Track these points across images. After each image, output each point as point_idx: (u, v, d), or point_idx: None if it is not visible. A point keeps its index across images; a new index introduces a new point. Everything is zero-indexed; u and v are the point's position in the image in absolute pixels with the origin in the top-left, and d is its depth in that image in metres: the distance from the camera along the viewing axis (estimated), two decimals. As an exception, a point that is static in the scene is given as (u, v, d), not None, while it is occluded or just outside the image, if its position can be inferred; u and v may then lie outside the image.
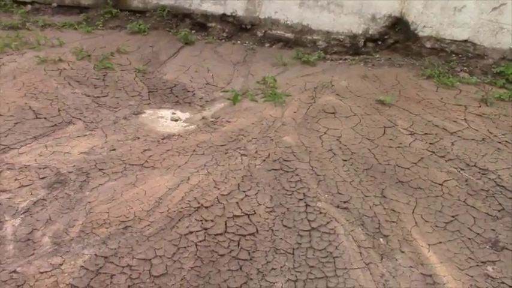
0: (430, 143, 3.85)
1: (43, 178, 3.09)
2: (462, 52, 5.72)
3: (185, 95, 4.59)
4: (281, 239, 2.71)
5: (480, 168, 3.53)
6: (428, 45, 5.85)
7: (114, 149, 3.51)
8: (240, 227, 2.76)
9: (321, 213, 2.94)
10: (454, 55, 5.75)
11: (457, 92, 4.96)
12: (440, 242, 2.78)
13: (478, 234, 2.87)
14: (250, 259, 2.55)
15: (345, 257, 2.61)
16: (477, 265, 2.63)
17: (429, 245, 2.76)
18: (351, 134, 3.94)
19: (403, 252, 2.69)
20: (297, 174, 3.32)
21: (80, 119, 3.91)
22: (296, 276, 2.46)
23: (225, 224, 2.77)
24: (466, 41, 5.66)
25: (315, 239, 2.72)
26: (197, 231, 2.69)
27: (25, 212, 2.77)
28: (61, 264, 2.40)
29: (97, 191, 3.01)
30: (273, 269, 2.50)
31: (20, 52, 5.16)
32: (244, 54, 5.92)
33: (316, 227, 2.82)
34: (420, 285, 2.47)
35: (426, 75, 5.32)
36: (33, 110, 3.92)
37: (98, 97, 4.33)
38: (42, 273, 2.35)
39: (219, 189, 3.08)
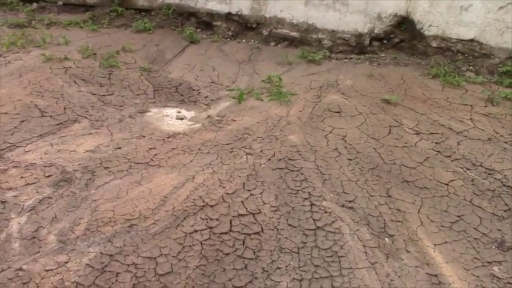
0: (436, 143, 3.83)
1: (49, 176, 3.10)
2: (468, 51, 5.69)
3: (190, 94, 4.59)
4: (286, 238, 2.71)
5: (486, 168, 3.51)
6: (434, 44, 5.83)
7: (119, 148, 3.51)
8: (245, 225, 2.76)
9: (326, 212, 2.94)
10: (460, 54, 5.72)
11: (463, 91, 4.93)
12: (446, 242, 2.77)
13: (484, 234, 2.86)
14: (255, 258, 2.55)
15: (350, 256, 2.61)
16: (483, 265, 2.62)
17: (435, 244, 2.75)
18: (356, 133, 3.93)
19: (408, 252, 2.68)
20: (302, 173, 3.32)
21: (85, 117, 3.92)
22: (301, 276, 2.46)
23: (230, 223, 2.77)
24: (472, 40, 5.63)
25: (320, 238, 2.72)
26: (202, 230, 2.70)
27: (31, 210, 2.78)
28: (66, 262, 2.41)
29: (102, 189, 3.02)
30: (278, 268, 2.50)
31: (25, 50, 5.17)
32: (249, 53, 5.91)
33: (322, 226, 2.82)
34: (426, 285, 2.47)
35: (432, 74, 5.29)
36: (39, 108, 3.94)
37: (104, 95, 4.34)
38: (47, 271, 2.36)
39: (224, 188, 3.08)
